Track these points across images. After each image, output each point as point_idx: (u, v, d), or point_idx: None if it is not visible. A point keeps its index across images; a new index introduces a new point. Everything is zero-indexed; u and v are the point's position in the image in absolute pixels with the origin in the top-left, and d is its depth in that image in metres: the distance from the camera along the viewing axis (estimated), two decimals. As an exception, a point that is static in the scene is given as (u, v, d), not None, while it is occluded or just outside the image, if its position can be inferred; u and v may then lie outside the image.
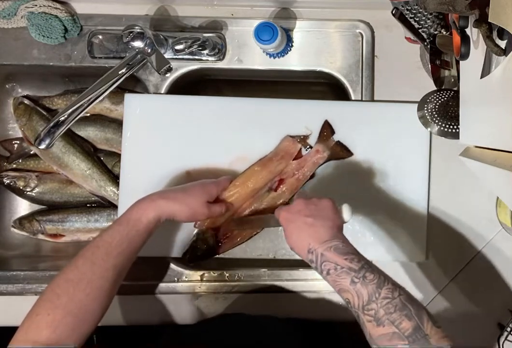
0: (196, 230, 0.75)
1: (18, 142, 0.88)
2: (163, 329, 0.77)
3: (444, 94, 0.74)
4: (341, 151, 0.76)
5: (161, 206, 0.62)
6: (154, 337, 0.74)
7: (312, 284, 0.79)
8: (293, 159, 0.76)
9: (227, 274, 0.78)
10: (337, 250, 0.55)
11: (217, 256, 0.76)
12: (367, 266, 0.54)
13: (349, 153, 0.77)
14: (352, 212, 0.62)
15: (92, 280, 0.56)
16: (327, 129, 0.76)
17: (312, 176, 0.76)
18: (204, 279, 0.78)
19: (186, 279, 0.78)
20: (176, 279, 0.78)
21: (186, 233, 0.76)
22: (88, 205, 0.89)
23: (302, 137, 0.77)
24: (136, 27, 0.68)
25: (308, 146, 0.77)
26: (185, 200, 0.64)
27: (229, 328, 0.67)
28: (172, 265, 0.78)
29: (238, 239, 0.75)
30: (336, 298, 0.79)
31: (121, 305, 0.77)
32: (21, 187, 0.86)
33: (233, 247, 0.75)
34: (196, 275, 0.78)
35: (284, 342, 0.65)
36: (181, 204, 0.64)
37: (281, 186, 0.75)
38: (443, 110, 0.73)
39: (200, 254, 0.73)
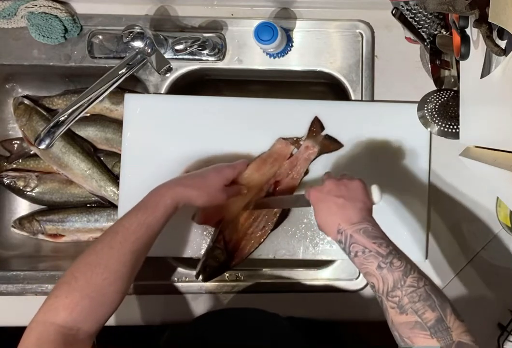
0: (205, 249, 0.74)
1: (18, 142, 0.88)
2: (163, 329, 0.77)
3: (444, 94, 0.74)
4: (330, 144, 0.77)
5: (178, 193, 0.63)
6: (154, 337, 0.74)
7: (312, 284, 0.79)
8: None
9: (227, 274, 0.78)
10: (366, 233, 0.55)
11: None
12: (395, 252, 0.54)
13: (339, 144, 0.77)
14: (381, 194, 0.61)
15: (110, 264, 0.57)
16: (316, 125, 0.76)
17: (306, 173, 0.76)
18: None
19: (186, 279, 0.78)
20: (176, 279, 0.78)
21: (187, 232, 0.76)
22: (88, 205, 0.89)
23: (295, 139, 0.77)
24: (136, 27, 0.68)
25: None
26: (202, 186, 0.65)
27: (229, 326, 0.67)
28: (172, 265, 0.78)
29: (247, 249, 0.74)
30: (336, 298, 0.79)
31: (121, 305, 0.77)
32: (21, 187, 0.86)
33: (244, 259, 0.74)
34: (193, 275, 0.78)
35: (284, 341, 0.65)
36: (198, 190, 0.65)
37: (278, 188, 0.75)
38: (443, 110, 0.73)
39: (213, 272, 0.72)
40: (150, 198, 0.63)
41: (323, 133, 0.76)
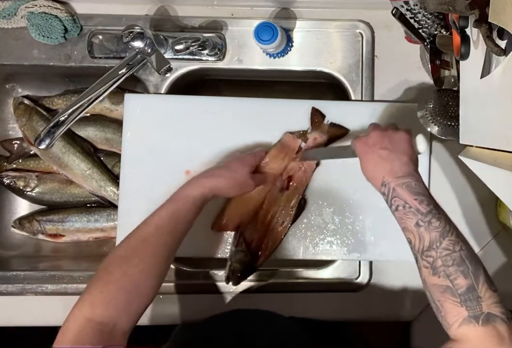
0: (228, 254, 0.74)
1: (18, 142, 0.88)
2: (168, 329, 0.77)
3: (444, 94, 0.74)
4: (337, 131, 0.77)
5: (205, 184, 0.64)
6: (153, 338, 0.74)
7: (312, 284, 0.79)
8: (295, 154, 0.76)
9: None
10: (409, 188, 0.55)
11: (219, 256, 0.76)
12: (435, 211, 0.54)
13: (345, 129, 0.77)
14: (427, 144, 0.61)
15: (144, 256, 0.56)
16: (317, 115, 0.77)
17: (317, 164, 0.76)
18: (205, 279, 0.78)
19: (187, 279, 0.78)
20: (176, 279, 0.78)
21: (192, 233, 0.76)
22: (88, 205, 0.89)
23: (301, 132, 0.77)
24: (136, 27, 0.68)
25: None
26: (228, 175, 0.66)
27: (238, 326, 0.67)
28: (172, 265, 0.78)
29: (270, 246, 0.74)
30: (336, 298, 0.79)
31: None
32: (21, 187, 0.86)
33: (269, 256, 0.74)
34: (196, 275, 0.78)
35: (292, 342, 0.65)
36: (225, 178, 0.65)
37: (291, 182, 0.75)
38: (443, 110, 0.73)
39: (241, 275, 0.72)
40: (180, 191, 0.63)
41: (327, 121, 0.77)
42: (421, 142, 0.60)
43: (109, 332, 0.51)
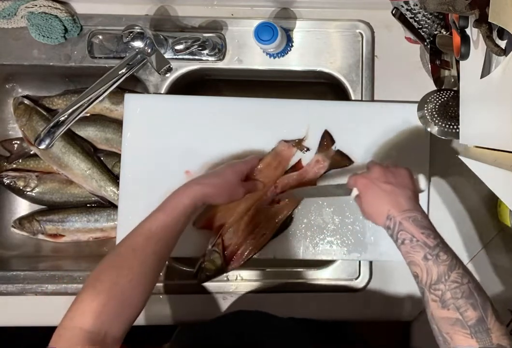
0: (206, 250, 0.73)
1: (18, 142, 0.88)
2: (162, 329, 0.77)
3: (444, 94, 0.74)
4: (341, 160, 0.76)
5: (195, 191, 0.63)
6: (153, 338, 0.74)
7: (312, 284, 0.79)
8: (294, 170, 0.76)
9: (228, 274, 0.78)
10: (416, 222, 0.56)
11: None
12: (442, 245, 0.54)
13: (349, 161, 0.76)
14: (427, 182, 0.64)
15: (134, 266, 0.56)
16: (327, 139, 0.76)
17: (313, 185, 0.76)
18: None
19: (186, 279, 0.78)
20: (175, 279, 0.78)
21: (188, 233, 0.76)
22: (88, 205, 0.89)
23: (296, 140, 0.76)
24: (136, 27, 0.68)
25: (304, 149, 0.76)
26: (219, 183, 0.66)
27: (239, 327, 0.67)
28: (172, 265, 0.78)
29: (245, 255, 0.73)
30: (336, 298, 0.79)
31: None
32: (21, 187, 0.86)
33: (242, 265, 0.74)
34: (196, 275, 0.78)
35: (293, 343, 0.65)
36: (215, 187, 0.65)
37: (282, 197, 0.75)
38: (443, 110, 0.73)
39: (210, 275, 0.72)
40: (169, 199, 0.63)
41: (335, 147, 0.76)
42: (422, 180, 0.64)
43: (100, 341, 0.51)
